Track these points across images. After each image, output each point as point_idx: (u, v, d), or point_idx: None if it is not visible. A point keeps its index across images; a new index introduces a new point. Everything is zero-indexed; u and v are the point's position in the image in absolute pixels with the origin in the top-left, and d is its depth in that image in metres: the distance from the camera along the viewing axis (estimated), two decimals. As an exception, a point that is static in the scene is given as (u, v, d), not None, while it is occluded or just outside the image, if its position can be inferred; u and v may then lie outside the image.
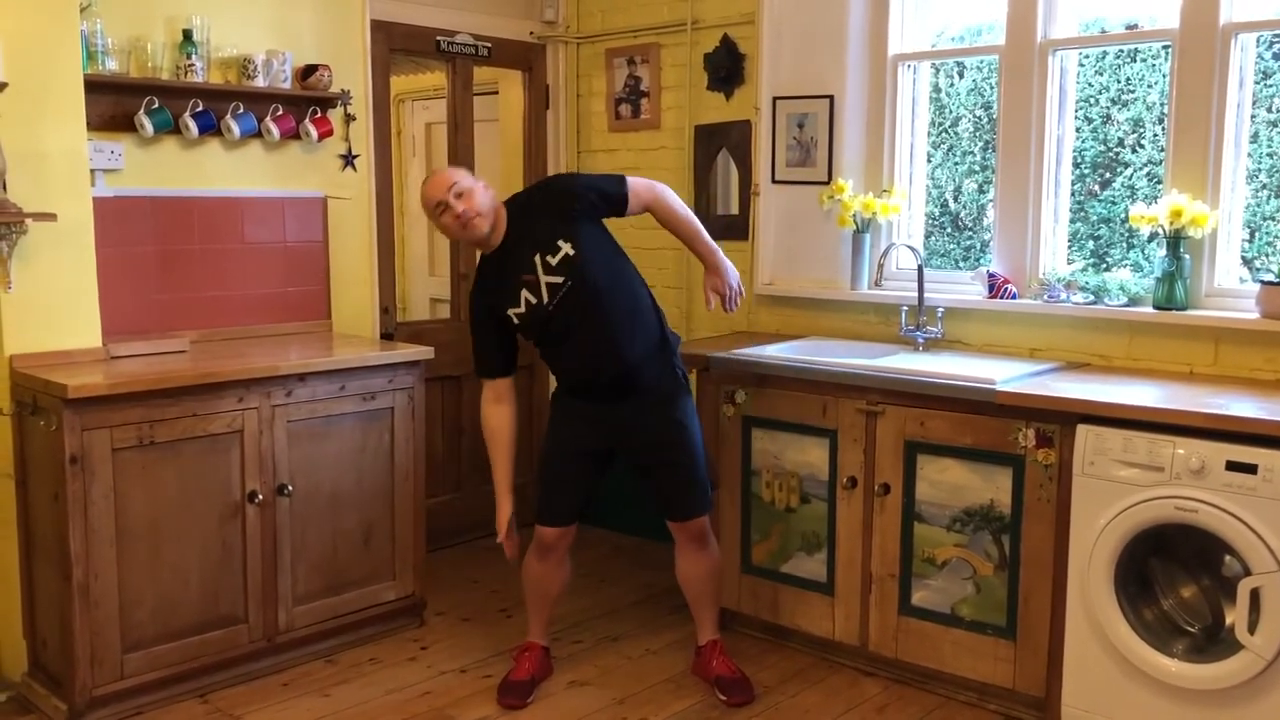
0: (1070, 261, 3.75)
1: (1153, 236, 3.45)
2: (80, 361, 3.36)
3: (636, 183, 3.27)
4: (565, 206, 3.19)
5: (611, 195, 3.23)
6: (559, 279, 3.12)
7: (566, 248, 3.12)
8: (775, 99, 4.23)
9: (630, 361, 3.20)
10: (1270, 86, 3.38)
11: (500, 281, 3.20)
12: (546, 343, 3.26)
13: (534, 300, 3.15)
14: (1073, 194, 3.76)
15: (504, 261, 3.19)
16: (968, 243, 4.11)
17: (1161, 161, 3.52)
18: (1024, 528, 3.13)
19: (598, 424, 3.28)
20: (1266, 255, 3.42)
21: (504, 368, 3.31)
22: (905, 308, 3.87)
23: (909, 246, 3.91)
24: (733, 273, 3.39)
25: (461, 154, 4.70)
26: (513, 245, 3.18)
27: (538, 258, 3.13)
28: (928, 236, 4.15)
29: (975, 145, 4.06)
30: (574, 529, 3.39)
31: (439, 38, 4.58)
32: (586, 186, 3.25)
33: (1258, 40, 3.32)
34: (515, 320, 3.20)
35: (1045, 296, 3.62)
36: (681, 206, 3.35)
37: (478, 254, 3.30)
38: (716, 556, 3.48)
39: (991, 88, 3.93)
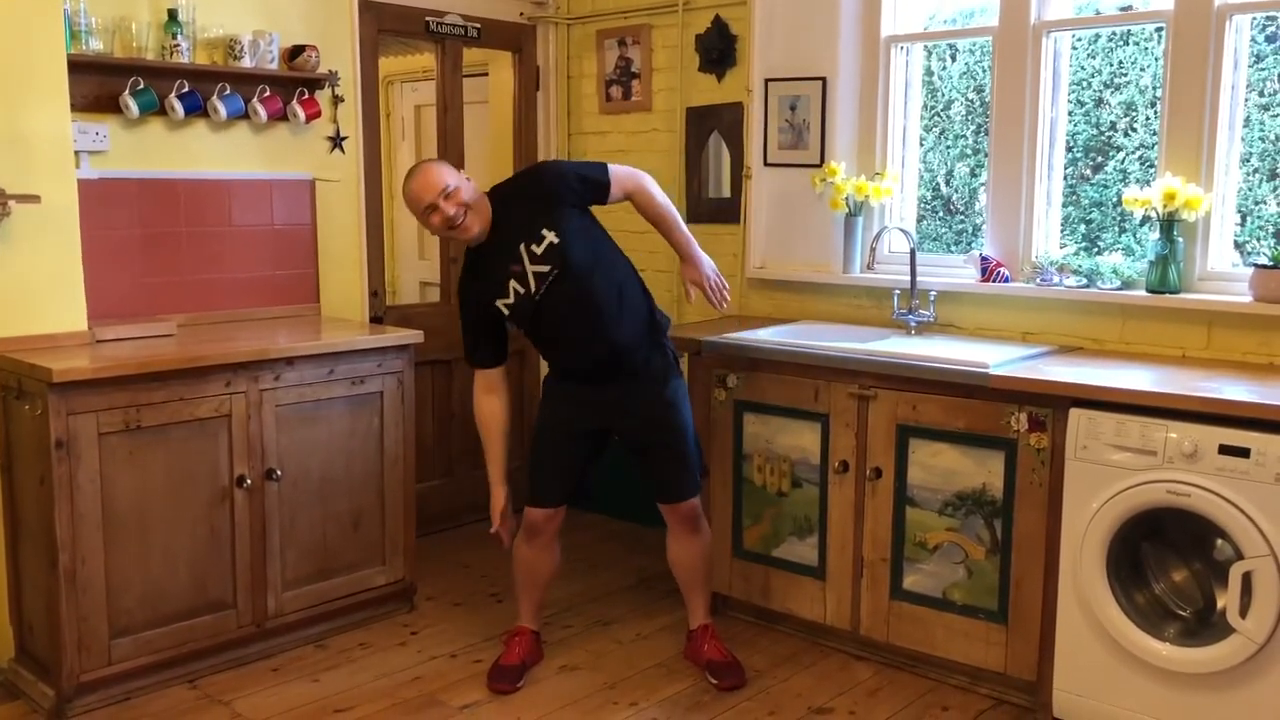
0: (1062, 245, 3.74)
1: (1145, 220, 3.44)
2: (65, 345, 3.33)
3: (619, 170, 3.26)
4: (548, 194, 3.18)
5: (594, 182, 3.22)
6: (545, 267, 3.11)
7: (550, 235, 3.11)
8: (767, 81, 4.20)
9: (619, 344, 3.19)
10: (1262, 70, 3.37)
11: (488, 273, 3.19)
12: (536, 331, 3.26)
13: (522, 290, 3.14)
14: (1065, 178, 3.75)
15: (491, 253, 3.19)
16: (960, 226, 4.10)
17: (1153, 145, 3.51)
18: (1016, 512, 3.13)
19: (589, 405, 3.27)
20: (1258, 239, 3.42)
21: (495, 357, 3.31)
22: (897, 291, 3.86)
23: (901, 230, 3.89)
24: (708, 263, 3.38)
25: (451, 137, 4.66)
26: (499, 237, 3.17)
27: (523, 247, 3.12)
28: (920, 220, 4.14)
29: (967, 129, 4.04)
30: (562, 511, 3.37)
31: (428, 18, 4.54)
32: (569, 173, 3.25)
33: (1251, 22, 3.30)
34: (504, 311, 3.20)
35: (1038, 280, 3.61)
36: (661, 196, 3.34)
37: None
38: (708, 540, 3.47)
39: (984, 70, 3.91)
